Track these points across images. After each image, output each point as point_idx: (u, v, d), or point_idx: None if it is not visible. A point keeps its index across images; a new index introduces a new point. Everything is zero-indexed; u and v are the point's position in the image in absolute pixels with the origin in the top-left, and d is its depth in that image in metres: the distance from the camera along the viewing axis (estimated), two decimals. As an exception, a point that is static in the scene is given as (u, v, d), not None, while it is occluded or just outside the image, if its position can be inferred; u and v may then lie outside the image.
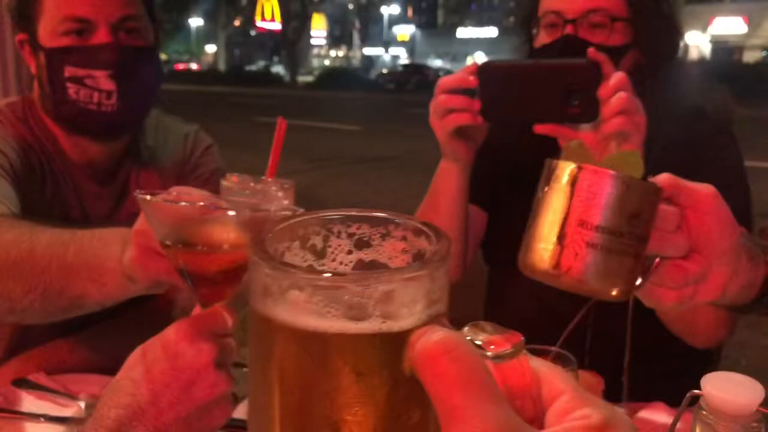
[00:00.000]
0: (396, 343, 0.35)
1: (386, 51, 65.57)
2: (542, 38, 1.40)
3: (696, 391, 0.44)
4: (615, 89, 1.17)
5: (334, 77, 37.71)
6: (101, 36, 1.38)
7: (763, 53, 32.60)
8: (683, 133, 1.37)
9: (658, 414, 1.10)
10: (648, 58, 1.36)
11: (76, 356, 1.29)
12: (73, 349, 1.30)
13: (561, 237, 0.69)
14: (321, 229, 0.41)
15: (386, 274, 0.35)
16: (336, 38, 67.44)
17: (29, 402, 1.17)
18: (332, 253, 0.42)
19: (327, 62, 65.64)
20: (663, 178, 0.74)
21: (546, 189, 0.72)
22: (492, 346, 0.36)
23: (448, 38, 60.29)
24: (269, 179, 1.09)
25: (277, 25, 45.78)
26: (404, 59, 58.77)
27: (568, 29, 1.34)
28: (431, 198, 1.46)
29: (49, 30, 1.38)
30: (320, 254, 0.41)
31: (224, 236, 0.79)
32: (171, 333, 0.78)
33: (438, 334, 0.34)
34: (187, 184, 1.63)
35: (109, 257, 0.95)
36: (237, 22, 50.30)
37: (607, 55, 1.22)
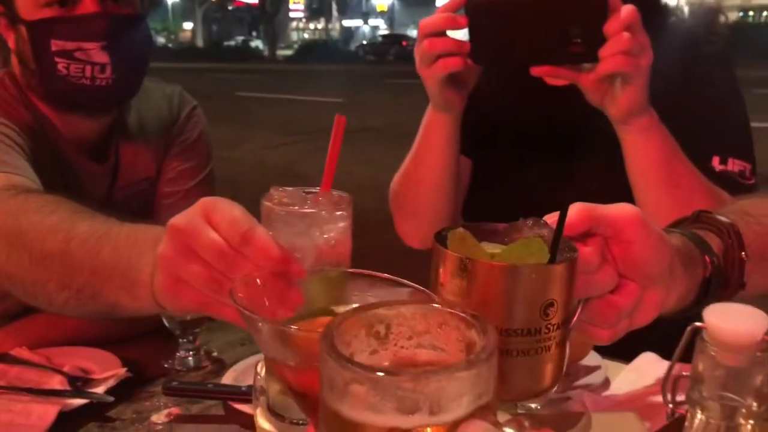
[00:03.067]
0: None
1: (365, 22, 64.97)
2: None
3: (698, 323, 0.43)
4: (625, 24, 1.05)
5: (314, 50, 37.42)
6: (87, 5, 1.31)
7: (740, 14, 32.64)
8: (679, 59, 1.31)
9: (650, 364, 1.09)
10: None
11: (57, 330, 1.26)
12: (53, 323, 1.27)
13: None
14: (384, 318, 0.47)
15: (437, 373, 0.39)
16: (314, 11, 66.75)
17: (12, 377, 1.15)
18: (394, 338, 0.47)
19: (306, 35, 65.06)
20: (575, 215, 0.66)
21: (440, 280, 0.63)
22: None
23: (427, 7, 59.79)
24: (322, 193, 0.90)
25: (254, -1, 45.29)
26: (383, 30, 58.32)
27: None
28: (418, 153, 1.36)
29: (29, 2, 1.31)
30: (383, 340, 0.47)
31: None
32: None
33: (478, 430, 0.37)
34: (172, 147, 1.60)
35: (142, 270, 0.82)
36: (214, -2, 49.82)
37: None
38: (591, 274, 0.66)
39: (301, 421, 0.84)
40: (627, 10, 1.06)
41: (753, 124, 1.36)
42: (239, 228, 0.72)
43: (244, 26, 61.85)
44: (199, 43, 49.91)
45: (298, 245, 0.85)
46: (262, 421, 0.86)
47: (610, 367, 1.12)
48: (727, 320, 0.42)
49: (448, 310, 0.46)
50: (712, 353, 0.42)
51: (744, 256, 0.79)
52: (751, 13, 32.63)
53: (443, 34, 1.15)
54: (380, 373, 0.38)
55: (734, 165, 1.27)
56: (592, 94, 1.13)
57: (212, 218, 0.73)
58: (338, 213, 0.88)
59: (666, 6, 1.42)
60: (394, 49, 33.87)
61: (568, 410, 0.82)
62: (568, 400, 0.92)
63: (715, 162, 1.26)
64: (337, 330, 0.43)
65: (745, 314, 0.42)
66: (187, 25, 62.10)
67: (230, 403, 1.11)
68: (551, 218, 0.66)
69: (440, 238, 0.64)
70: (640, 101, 1.11)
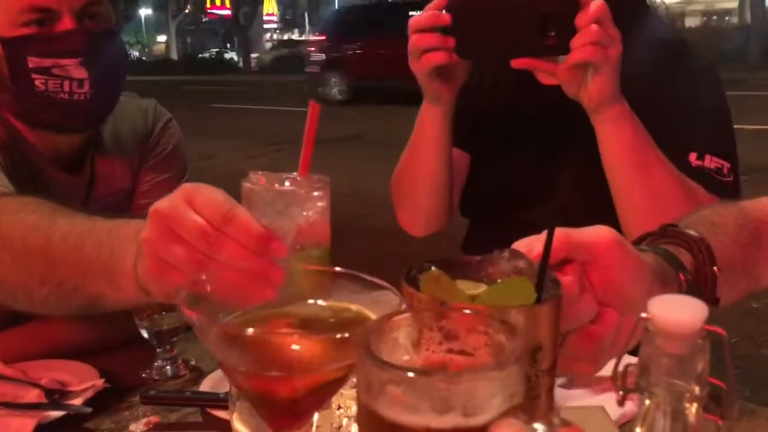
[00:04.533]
0: None
1: (340, 32, 64.87)
2: None
3: (643, 314, 0.45)
4: (594, 18, 1.12)
5: (288, 61, 37.36)
6: (66, 23, 1.33)
7: (704, 18, 33.16)
8: (662, 67, 1.37)
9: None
10: None
11: (34, 344, 1.27)
12: (30, 337, 1.28)
13: None
14: (416, 323, 0.48)
15: (469, 374, 0.41)
16: (288, 22, 66.66)
17: (-11, 391, 1.15)
18: (426, 343, 0.48)
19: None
20: (556, 242, 0.62)
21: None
22: None
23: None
24: (300, 177, 0.94)
25: (227, 11, 45.09)
26: (358, 40, 58.19)
27: None
28: (413, 145, 1.44)
29: (7, 21, 1.32)
30: (415, 344, 0.48)
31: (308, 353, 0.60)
32: None
33: (511, 428, 0.38)
34: (148, 159, 1.61)
35: (125, 260, 0.84)
36: (187, 10, 49.47)
37: None
38: (571, 305, 0.63)
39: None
40: (596, 4, 1.13)
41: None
42: (221, 209, 0.74)
43: (218, 38, 61.63)
44: (174, 55, 49.63)
45: (277, 224, 0.87)
46: (238, 425, 0.88)
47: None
48: (669, 310, 0.45)
49: (476, 314, 0.48)
50: (657, 342, 0.45)
51: (716, 270, 0.78)
52: (714, 17, 33.17)
53: (430, 30, 1.23)
54: (414, 374, 0.41)
55: (711, 162, 1.32)
56: (567, 84, 1.20)
57: (194, 201, 0.76)
58: (316, 193, 0.92)
59: (646, 3, 1.48)
60: (368, 58, 33.85)
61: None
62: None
63: (692, 158, 1.32)
64: (373, 335, 0.45)
65: (686, 304, 0.45)
66: (161, 38, 61.75)
67: (208, 410, 1.12)
68: (524, 246, 0.65)
69: (410, 279, 0.60)
70: (610, 91, 1.17)
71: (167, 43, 56.43)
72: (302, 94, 13.87)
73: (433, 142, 1.39)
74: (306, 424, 0.66)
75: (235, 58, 44.70)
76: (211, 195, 0.76)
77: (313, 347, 0.60)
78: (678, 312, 0.44)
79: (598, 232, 0.68)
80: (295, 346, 0.60)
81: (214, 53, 49.55)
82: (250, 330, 0.59)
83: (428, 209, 1.50)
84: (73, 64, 1.33)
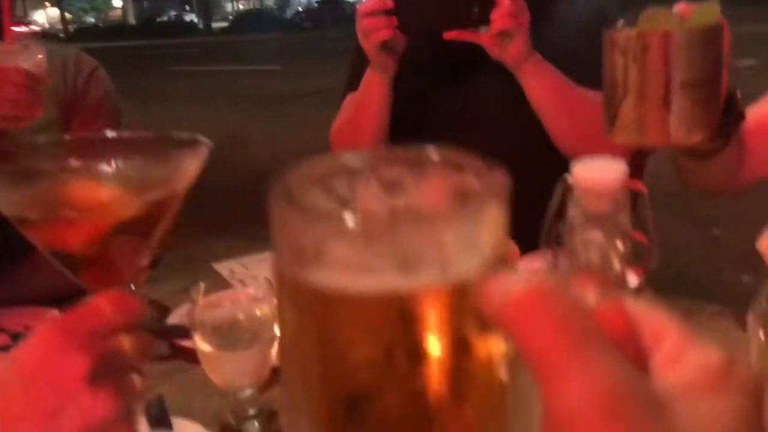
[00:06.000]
0: (457, 295, 0.29)
1: (300, -11, 63.91)
2: None
3: (567, 176, 0.47)
4: None
5: (250, 20, 36.73)
6: None
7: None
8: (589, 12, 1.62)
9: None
10: None
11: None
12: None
13: (663, 100, 0.77)
14: (345, 173, 0.35)
15: (443, 214, 0.30)
16: (247, -20, 65.33)
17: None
18: (360, 200, 0.35)
19: (241, 6, 63.76)
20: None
21: (631, 60, 0.79)
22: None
23: (361, -30, 59.00)
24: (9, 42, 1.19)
25: (183, -28, 44.13)
26: (319, -4, 57.48)
27: None
28: (359, 105, 1.66)
29: None
30: (345, 204, 0.34)
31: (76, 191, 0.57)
32: (30, 342, 0.57)
33: (525, 279, 0.28)
34: (76, 114, 1.56)
35: None
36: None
37: None
38: None
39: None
40: None
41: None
42: None
43: (175, 0, 60.32)
44: (131, 20, 48.53)
45: None
46: (201, 344, 0.90)
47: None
48: (591, 171, 0.47)
49: (428, 155, 0.35)
50: (582, 201, 0.47)
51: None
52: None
53: (377, 14, 1.48)
54: (372, 220, 0.30)
55: None
56: (491, 49, 1.47)
57: None
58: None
59: None
60: (330, 14, 33.47)
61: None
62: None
63: None
64: (292, 182, 0.33)
65: (607, 165, 0.47)
66: (117, 3, 60.24)
67: (174, 341, 1.14)
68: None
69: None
70: (524, 50, 1.46)
71: (123, 7, 55.10)
72: (264, 53, 13.67)
73: (377, 104, 1.62)
74: (123, 282, 0.62)
75: (195, 19, 43.84)
76: None
77: (107, 182, 0.57)
78: (599, 172, 0.46)
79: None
80: (87, 183, 0.56)
81: (173, 16, 48.52)
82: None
83: None
84: None
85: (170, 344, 1.14)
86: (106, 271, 0.61)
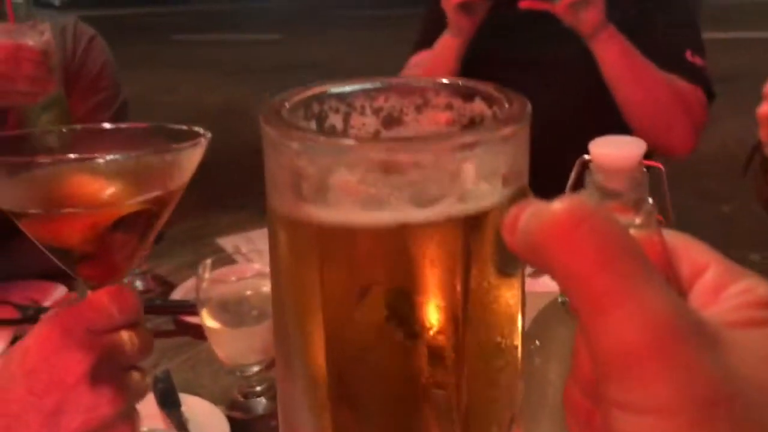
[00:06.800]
0: (476, 227, 0.27)
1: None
2: None
3: (586, 156, 0.46)
4: None
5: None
6: None
7: None
8: None
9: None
10: None
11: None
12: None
13: None
14: (340, 104, 0.32)
15: (465, 136, 0.27)
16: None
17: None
18: (355, 134, 0.32)
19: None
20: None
21: None
22: None
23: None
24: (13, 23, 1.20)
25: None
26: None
27: None
28: (430, 63, 1.67)
29: None
30: (346, 134, 0.32)
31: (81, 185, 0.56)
32: (30, 340, 0.57)
33: (562, 201, 0.24)
34: (75, 83, 1.54)
35: None
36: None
37: None
38: None
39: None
40: None
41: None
42: None
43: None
44: (129, -11, 48.14)
45: None
46: (207, 320, 0.89)
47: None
48: (609, 148, 0.45)
49: (431, 84, 0.32)
50: (599, 179, 0.46)
51: None
52: None
53: None
54: (383, 148, 0.26)
55: (698, 59, 1.64)
56: (565, 17, 1.51)
57: None
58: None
59: None
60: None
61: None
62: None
63: (688, 55, 1.63)
64: (284, 109, 0.29)
65: (626, 141, 0.46)
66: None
67: (180, 317, 1.13)
68: None
69: None
70: (599, 19, 1.50)
71: (121, -24, 54.50)
72: (264, 22, 13.54)
73: (448, 66, 1.64)
74: (120, 276, 0.61)
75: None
76: None
77: (106, 177, 0.56)
78: (616, 148, 0.45)
79: None
80: (86, 177, 0.55)
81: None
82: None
83: None
84: None
85: (176, 320, 1.14)
86: (104, 265, 0.60)
